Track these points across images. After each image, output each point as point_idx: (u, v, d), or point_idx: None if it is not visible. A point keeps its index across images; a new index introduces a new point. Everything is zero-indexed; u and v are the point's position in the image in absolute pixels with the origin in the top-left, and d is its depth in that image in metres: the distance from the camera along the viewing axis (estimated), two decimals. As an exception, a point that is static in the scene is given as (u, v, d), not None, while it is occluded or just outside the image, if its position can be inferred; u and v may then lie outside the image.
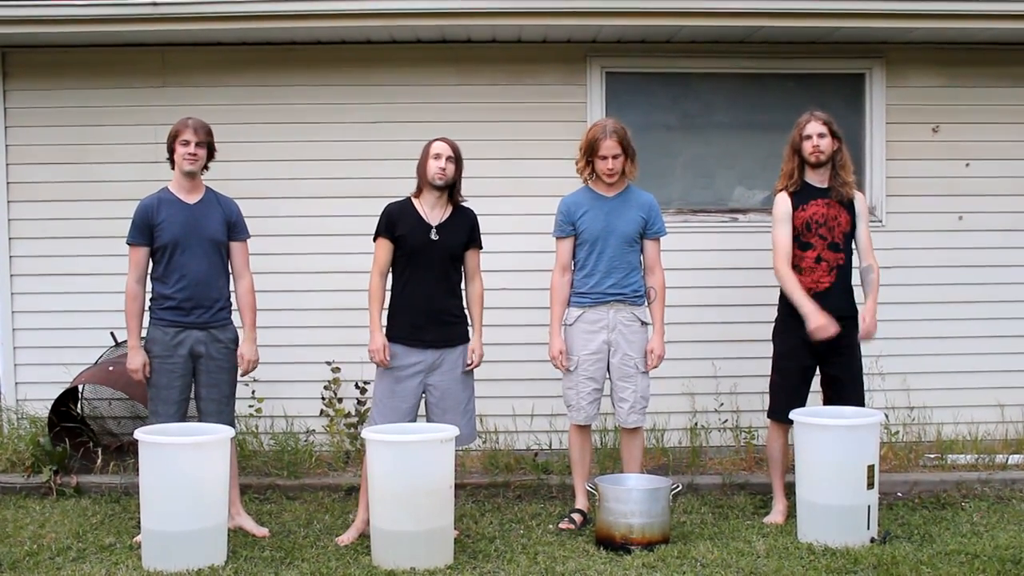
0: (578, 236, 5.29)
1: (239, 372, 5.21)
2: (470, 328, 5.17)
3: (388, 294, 5.11)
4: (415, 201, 5.08)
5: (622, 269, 5.26)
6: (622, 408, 5.30)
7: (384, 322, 5.08)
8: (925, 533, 5.12)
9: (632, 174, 5.31)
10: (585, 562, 4.70)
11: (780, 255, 5.28)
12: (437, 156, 4.99)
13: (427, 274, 5.01)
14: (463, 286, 5.19)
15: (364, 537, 4.92)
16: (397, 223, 5.01)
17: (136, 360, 5.03)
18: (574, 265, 5.34)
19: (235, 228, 5.19)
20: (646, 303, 5.34)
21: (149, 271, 5.11)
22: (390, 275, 5.11)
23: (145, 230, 5.04)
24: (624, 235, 5.25)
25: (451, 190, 5.06)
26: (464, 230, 5.10)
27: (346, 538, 5.02)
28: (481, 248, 5.19)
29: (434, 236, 5.01)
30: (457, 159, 5.04)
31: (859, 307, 5.42)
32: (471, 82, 6.53)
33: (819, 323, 5.12)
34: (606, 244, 5.23)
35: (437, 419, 5.03)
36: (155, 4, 5.91)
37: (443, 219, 5.05)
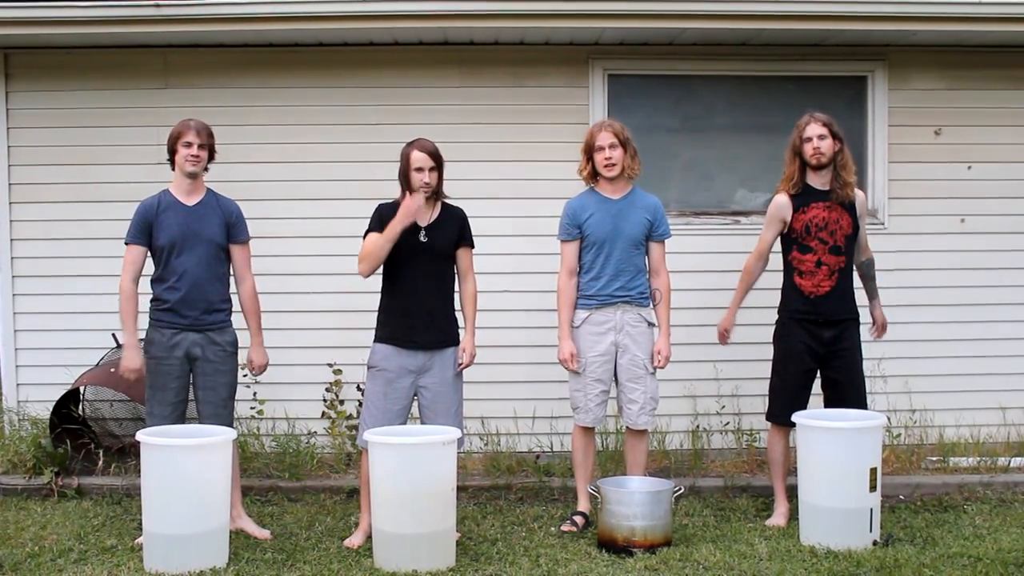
0: (584, 239, 5.28)
1: (252, 376, 5.21)
2: (462, 330, 5.14)
3: (379, 296, 5.08)
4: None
5: (628, 272, 5.25)
6: (631, 409, 5.29)
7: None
8: (927, 536, 5.12)
9: (634, 171, 5.28)
10: (587, 564, 4.70)
11: (755, 252, 5.46)
12: (419, 169, 4.92)
13: (418, 276, 4.98)
14: (456, 286, 5.15)
15: (371, 539, 4.91)
16: (388, 223, 4.96)
17: (135, 359, 5.01)
18: (580, 268, 5.33)
19: (234, 230, 5.15)
20: (651, 304, 5.34)
21: (150, 273, 5.09)
22: (381, 277, 5.06)
23: (144, 229, 5.02)
24: (630, 238, 5.24)
25: (435, 193, 5.02)
26: (454, 230, 5.07)
27: (354, 540, 5.01)
28: (472, 246, 5.14)
29: (423, 238, 4.98)
30: (438, 164, 4.99)
31: (860, 308, 5.43)
32: (473, 84, 6.52)
33: (720, 327, 5.53)
34: (613, 247, 5.22)
35: (429, 421, 5.02)
36: (158, 6, 5.91)
37: (431, 220, 5.02)
